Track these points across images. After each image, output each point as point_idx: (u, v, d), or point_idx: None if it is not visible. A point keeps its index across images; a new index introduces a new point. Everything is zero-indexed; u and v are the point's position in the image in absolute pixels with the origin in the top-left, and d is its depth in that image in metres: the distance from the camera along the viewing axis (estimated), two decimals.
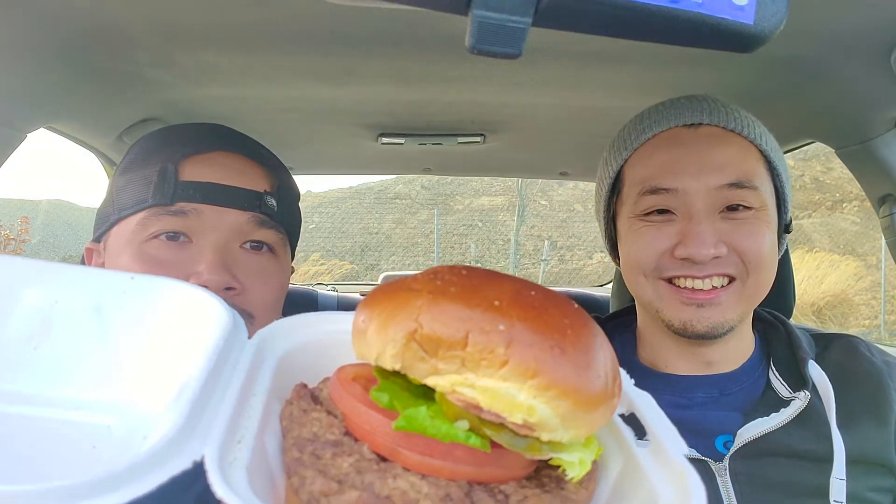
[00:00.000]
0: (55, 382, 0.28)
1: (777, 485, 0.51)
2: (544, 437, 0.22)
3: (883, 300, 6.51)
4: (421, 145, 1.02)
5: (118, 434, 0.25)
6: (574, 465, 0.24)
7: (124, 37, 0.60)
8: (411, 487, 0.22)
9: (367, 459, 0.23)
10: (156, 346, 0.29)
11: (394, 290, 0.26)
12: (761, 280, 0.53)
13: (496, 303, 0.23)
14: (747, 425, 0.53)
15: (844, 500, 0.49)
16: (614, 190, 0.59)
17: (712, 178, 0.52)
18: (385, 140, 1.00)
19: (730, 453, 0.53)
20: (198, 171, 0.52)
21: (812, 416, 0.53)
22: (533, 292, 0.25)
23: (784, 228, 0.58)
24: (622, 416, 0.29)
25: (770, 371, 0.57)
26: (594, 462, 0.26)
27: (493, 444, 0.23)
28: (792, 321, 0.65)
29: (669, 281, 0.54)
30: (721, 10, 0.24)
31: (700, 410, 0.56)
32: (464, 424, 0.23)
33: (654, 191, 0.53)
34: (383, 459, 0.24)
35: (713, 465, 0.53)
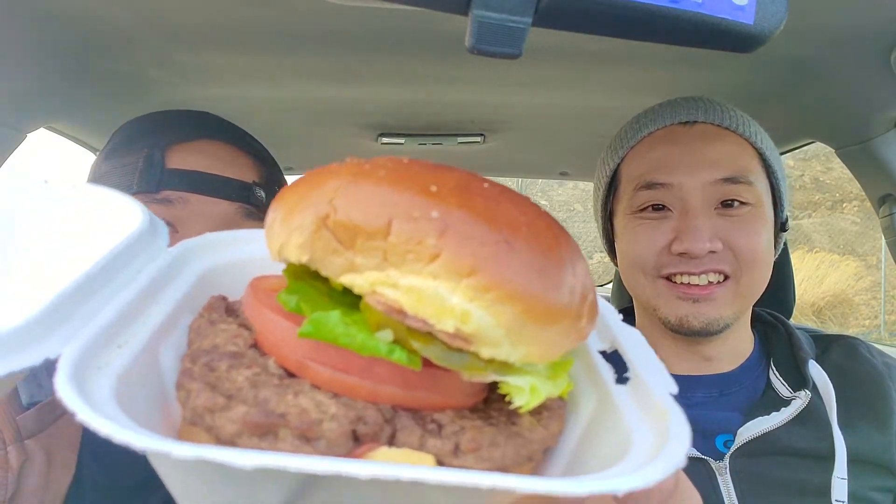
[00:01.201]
0: None
1: (778, 483, 0.51)
2: (484, 352, 0.18)
3: (883, 300, 6.51)
4: (421, 145, 1.02)
5: None
6: (522, 390, 0.19)
7: (124, 37, 0.60)
8: (315, 407, 0.18)
9: (270, 374, 0.19)
10: (50, 254, 0.24)
11: (311, 174, 0.21)
12: (756, 277, 0.53)
13: (433, 188, 0.18)
14: (748, 424, 0.53)
15: (846, 500, 0.49)
16: (611, 188, 0.60)
17: (707, 173, 0.52)
18: (385, 140, 1.00)
19: (730, 452, 0.53)
20: (185, 158, 0.51)
21: (813, 415, 0.53)
22: (486, 185, 0.20)
23: (780, 226, 0.58)
24: (603, 353, 0.24)
25: (770, 371, 0.57)
26: (562, 400, 0.22)
27: (427, 364, 0.19)
28: (792, 321, 0.65)
29: (667, 278, 0.54)
30: (721, 11, 0.24)
31: (700, 410, 0.56)
32: (387, 335, 0.19)
33: (650, 185, 0.54)
34: (291, 376, 0.19)
35: (713, 465, 0.53)
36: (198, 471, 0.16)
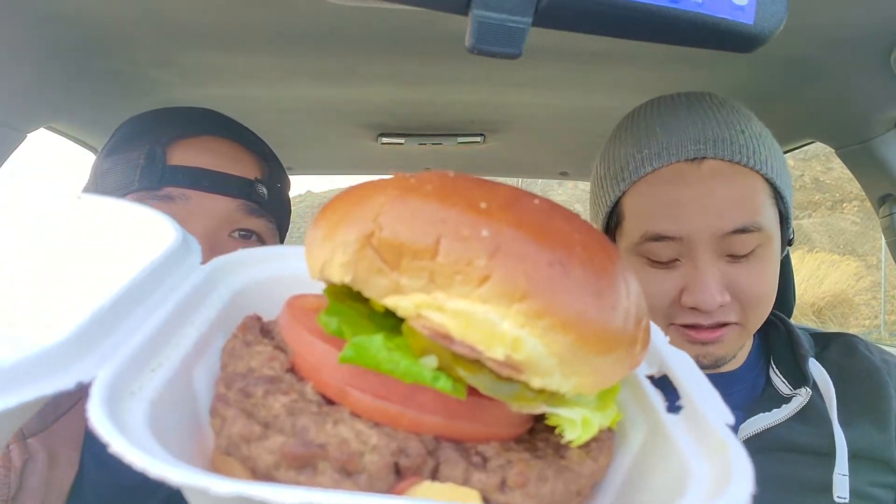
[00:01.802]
0: None
1: (779, 480, 0.51)
2: (535, 382, 0.16)
3: (883, 300, 6.51)
4: (421, 145, 1.02)
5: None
6: (574, 423, 0.18)
7: (125, 37, 0.60)
8: (355, 437, 0.17)
9: (308, 400, 0.18)
10: (85, 272, 0.24)
11: (355, 189, 0.20)
12: (762, 314, 0.52)
13: (482, 204, 0.17)
14: (748, 420, 0.53)
15: (847, 496, 0.49)
16: (612, 218, 0.56)
17: (717, 223, 0.49)
18: (385, 140, 1.00)
19: None
20: (187, 155, 0.50)
21: (813, 412, 0.53)
22: (537, 201, 0.19)
23: (787, 242, 0.57)
24: (651, 377, 0.22)
25: (770, 369, 0.57)
26: (610, 430, 0.20)
27: (472, 392, 0.18)
28: (791, 321, 0.65)
29: (677, 325, 0.52)
30: (721, 11, 0.24)
31: None
32: (432, 361, 0.17)
33: (658, 238, 0.50)
34: (330, 402, 0.18)
35: None
36: None
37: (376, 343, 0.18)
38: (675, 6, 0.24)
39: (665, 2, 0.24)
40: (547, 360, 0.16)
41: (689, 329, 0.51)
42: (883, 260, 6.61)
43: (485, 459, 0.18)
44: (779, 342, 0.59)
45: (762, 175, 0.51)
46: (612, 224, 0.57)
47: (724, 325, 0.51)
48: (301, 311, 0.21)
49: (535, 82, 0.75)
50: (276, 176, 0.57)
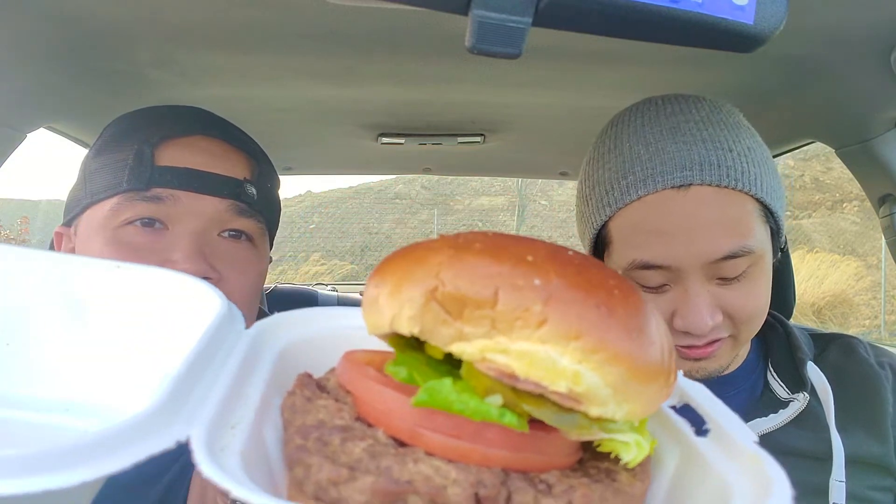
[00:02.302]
0: (29, 382, 0.25)
1: None
2: (593, 411, 0.19)
3: (883, 300, 6.51)
4: (421, 145, 1.02)
5: (82, 434, 0.21)
6: (629, 446, 0.20)
7: (124, 37, 0.60)
8: (436, 472, 0.18)
9: (383, 444, 0.20)
10: (142, 341, 0.26)
11: (409, 251, 0.22)
12: (754, 327, 0.52)
13: (529, 258, 0.20)
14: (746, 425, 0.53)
15: (844, 502, 0.49)
16: (599, 239, 0.55)
17: (706, 252, 0.48)
18: (385, 140, 1.00)
19: None
20: (175, 155, 0.50)
21: (811, 417, 0.53)
22: (570, 252, 0.21)
23: (779, 250, 0.56)
24: (673, 408, 0.25)
25: (768, 373, 0.57)
26: (648, 456, 0.22)
27: (532, 426, 0.20)
28: (791, 321, 0.65)
29: None
30: (721, 10, 0.24)
31: None
32: (496, 400, 0.20)
33: (646, 266, 0.49)
34: (402, 445, 0.20)
35: None
36: None
37: (447, 386, 0.20)
38: (675, 6, 0.24)
39: (665, 1, 0.24)
40: (603, 391, 0.19)
41: (683, 349, 0.51)
42: (883, 260, 6.61)
43: (549, 486, 0.20)
44: (777, 345, 0.59)
45: (752, 196, 0.50)
46: (601, 245, 0.55)
47: (716, 340, 0.50)
48: (360, 365, 0.24)
49: (535, 82, 0.75)
50: (265, 175, 0.56)
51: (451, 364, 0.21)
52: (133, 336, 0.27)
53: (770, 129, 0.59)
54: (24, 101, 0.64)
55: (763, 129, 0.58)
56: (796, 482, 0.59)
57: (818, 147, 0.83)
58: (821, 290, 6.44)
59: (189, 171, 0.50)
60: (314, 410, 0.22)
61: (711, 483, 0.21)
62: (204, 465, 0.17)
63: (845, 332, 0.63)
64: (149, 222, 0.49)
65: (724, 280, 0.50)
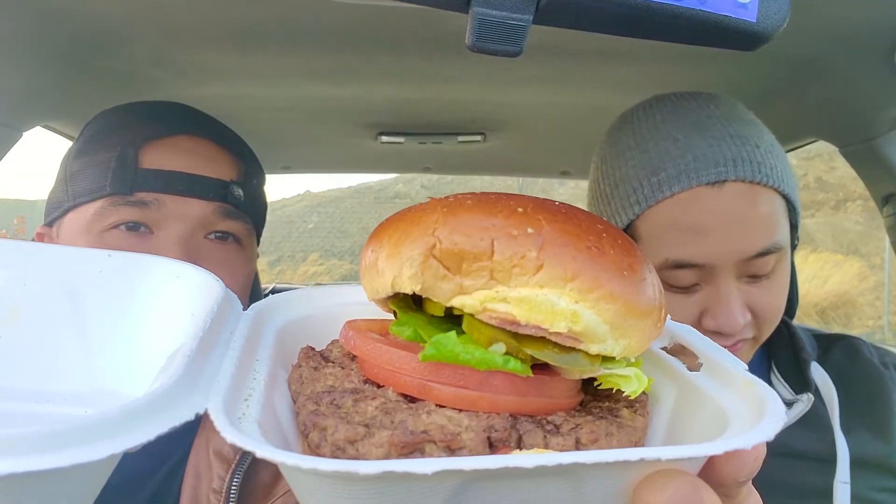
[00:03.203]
0: (24, 373, 0.25)
1: (780, 486, 0.51)
2: (593, 349, 0.20)
3: (886, 300, 6.47)
4: (421, 144, 1.02)
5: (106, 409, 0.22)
6: (629, 379, 0.21)
7: (121, 35, 0.60)
8: (449, 421, 0.19)
9: (394, 401, 0.21)
10: (137, 327, 0.27)
11: (403, 214, 0.23)
12: (774, 327, 0.52)
13: (519, 210, 0.20)
14: None
15: None
16: None
17: (740, 250, 0.47)
18: (385, 139, 0.99)
19: None
20: (160, 156, 0.49)
21: (815, 418, 0.52)
22: (557, 203, 0.22)
23: (793, 247, 0.56)
24: (664, 349, 0.26)
25: (772, 373, 0.57)
26: (645, 393, 0.23)
27: (535, 371, 0.21)
28: (795, 321, 0.64)
29: None
30: (724, 8, 0.24)
31: None
32: (500, 348, 0.20)
33: (681, 266, 0.49)
34: (412, 401, 0.21)
35: None
36: (362, 493, 0.17)
37: (452, 338, 0.20)
38: (678, 4, 0.24)
39: None
40: (601, 328, 0.19)
41: None
42: (886, 260, 6.58)
43: (556, 426, 0.21)
44: (781, 345, 0.59)
45: (779, 191, 0.50)
46: None
47: (741, 339, 0.50)
48: (361, 330, 0.24)
49: (535, 81, 0.74)
50: (252, 175, 0.55)
51: (452, 321, 0.22)
52: (130, 324, 0.27)
53: (773, 128, 0.58)
54: (20, 100, 0.64)
55: (766, 126, 0.57)
56: (801, 484, 0.57)
57: (821, 146, 0.82)
58: (824, 290, 6.41)
59: (174, 174, 0.49)
60: (322, 378, 0.23)
61: (709, 411, 0.21)
62: (226, 431, 0.17)
63: (849, 334, 0.63)
64: (133, 226, 0.48)
65: (753, 278, 0.49)
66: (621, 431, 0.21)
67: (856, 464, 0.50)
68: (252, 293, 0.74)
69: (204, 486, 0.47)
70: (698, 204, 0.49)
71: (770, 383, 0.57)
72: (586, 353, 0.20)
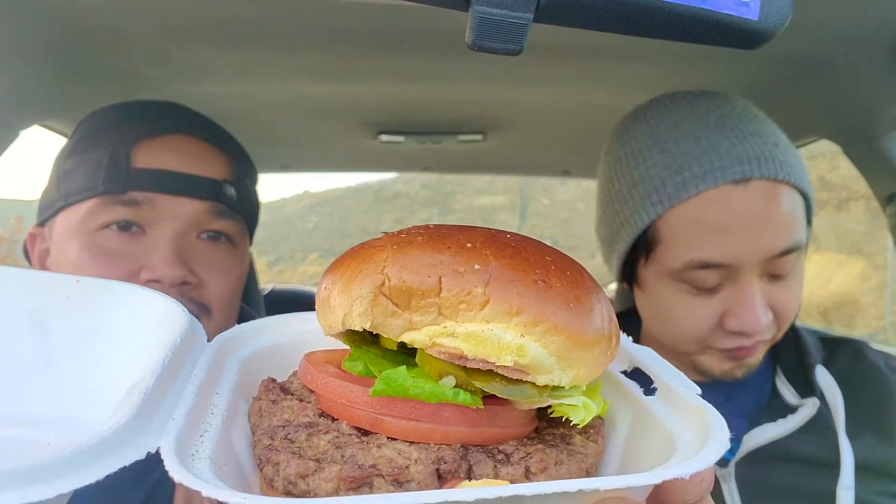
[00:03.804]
0: None
1: (784, 490, 0.51)
2: (540, 380, 0.20)
3: (890, 301, 6.44)
4: (420, 143, 1.01)
5: (58, 449, 0.21)
6: (577, 408, 0.22)
7: (119, 34, 0.59)
8: (399, 454, 0.20)
9: (347, 435, 0.21)
10: (103, 354, 0.27)
11: (356, 251, 0.24)
12: (788, 326, 0.53)
13: (468, 245, 0.21)
14: (754, 431, 0.52)
15: None
16: (642, 240, 0.53)
17: (766, 249, 0.48)
18: (384, 138, 0.99)
19: (735, 459, 0.52)
20: (152, 156, 0.49)
21: (820, 423, 0.52)
22: (508, 235, 0.23)
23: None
24: (624, 372, 0.27)
25: (776, 376, 0.57)
26: (600, 418, 0.24)
27: (486, 402, 0.21)
28: (798, 322, 0.64)
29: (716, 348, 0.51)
30: (726, 7, 0.24)
31: None
32: (450, 381, 0.21)
33: (707, 266, 0.48)
34: (365, 433, 0.22)
35: (718, 471, 0.52)
36: None
37: (402, 373, 0.21)
38: (679, 2, 0.23)
39: None
40: (547, 360, 0.20)
41: (730, 351, 0.50)
42: (889, 260, 6.54)
43: (507, 456, 0.21)
44: (786, 349, 0.58)
45: (798, 189, 0.50)
46: (642, 246, 0.53)
47: (760, 341, 0.50)
48: (320, 364, 0.25)
49: (536, 79, 0.74)
50: (245, 174, 0.55)
51: (406, 353, 0.22)
52: (95, 350, 0.27)
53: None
54: (16, 98, 0.64)
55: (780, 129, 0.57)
56: (805, 489, 0.57)
57: (824, 145, 0.81)
58: (827, 290, 6.38)
59: (166, 173, 0.48)
60: (279, 412, 0.24)
61: (659, 437, 0.22)
62: (174, 471, 0.18)
63: (854, 337, 0.63)
64: (126, 226, 0.48)
65: (774, 277, 0.49)
66: (572, 459, 0.21)
67: (860, 469, 0.50)
68: (251, 293, 0.74)
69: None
70: (724, 203, 0.48)
71: (775, 387, 0.56)
72: (534, 385, 0.21)
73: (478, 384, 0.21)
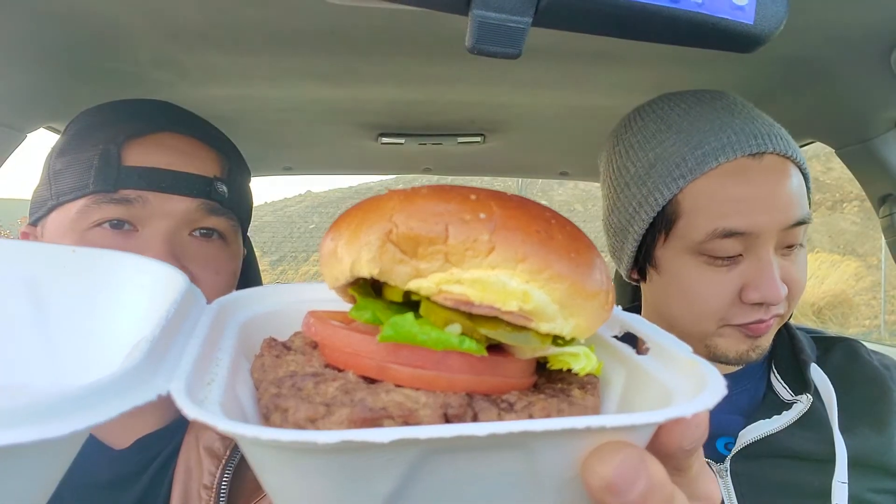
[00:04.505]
0: None
1: (778, 486, 0.51)
2: (543, 327, 0.21)
3: (883, 300, 6.50)
4: (421, 145, 1.02)
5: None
6: (578, 356, 0.22)
7: (125, 37, 0.60)
8: (407, 399, 0.20)
9: (354, 382, 0.21)
10: (101, 322, 0.26)
11: (361, 204, 0.24)
12: (795, 306, 0.54)
13: (472, 197, 0.22)
14: (749, 427, 0.53)
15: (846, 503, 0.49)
16: (660, 218, 0.54)
17: (781, 218, 0.49)
18: (385, 140, 1.00)
19: (731, 455, 0.53)
20: (143, 154, 0.49)
21: (814, 419, 0.53)
22: (510, 195, 0.23)
23: None
24: (616, 337, 0.27)
25: (771, 374, 0.57)
26: (595, 376, 0.24)
27: (490, 352, 0.22)
28: (792, 321, 0.65)
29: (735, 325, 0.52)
30: (721, 10, 0.24)
31: None
32: (455, 328, 0.21)
33: (730, 234, 0.50)
34: (372, 382, 0.22)
35: (714, 466, 0.53)
36: (322, 467, 0.17)
37: (409, 320, 0.21)
38: (675, 6, 0.24)
39: (665, 1, 0.24)
40: (550, 307, 0.20)
41: (750, 326, 0.51)
42: (883, 260, 6.60)
43: (510, 405, 0.21)
44: (781, 346, 0.59)
45: (801, 168, 0.53)
46: (661, 224, 0.54)
47: (775, 315, 0.52)
48: (323, 317, 0.25)
49: (534, 82, 0.75)
50: (236, 172, 0.55)
51: (410, 307, 0.22)
52: (94, 318, 0.27)
53: None
54: (23, 102, 0.64)
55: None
56: (799, 485, 0.58)
57: (818, 147, 0.83)
58: (821, 290, 6.44)
59: (157, 171, 0.48)
60: (284, 365, 0.23)
61: (655, 391, 0.23)
62: (188, 409, 0.18)
63: (848, 336, 0.63)
64: (118, 224, 0.48)
65: (788, 250, 0.52)
66: (573, 408, 0.22)
67: (854, 464, 0.50)
68: None
69: (195, 483, 0.47)
70: (742, 174, 0.51)
71: (770, 384, 0.57)
72: (537, 333, 0.21)
73: (483, 331, 0.21)
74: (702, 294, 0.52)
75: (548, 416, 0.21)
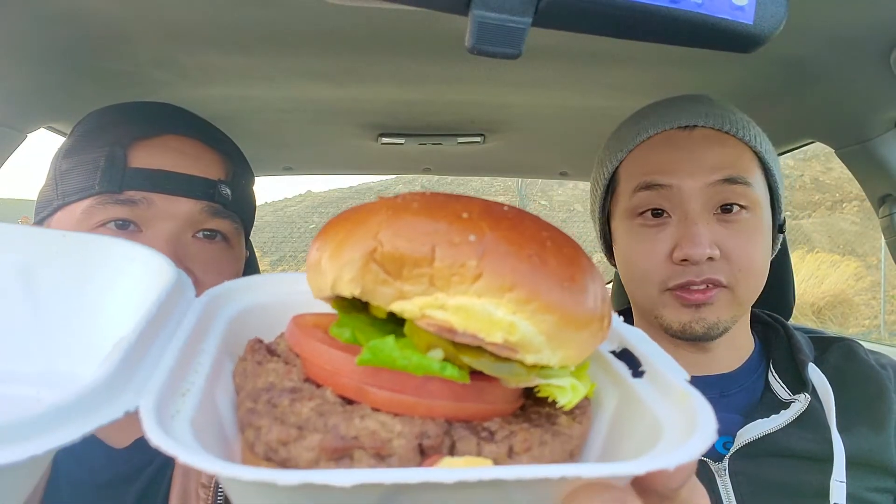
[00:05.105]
0: None
1: (777, 485, 0.51)
2: (529, 359, 0.20)
3: (883, 300, 6.51)
4: (421, 145, 1.02)
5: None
6: (565, 390, 0.21)
7: (125, 37, 0.60)
8: (382, 427, 0.19)
9: (331, 403, 0.20)
10: (91, 308, 0.26)
11: (350, 213, 0.23)
12: (752, 285, 0.54)
13: (464, 215, 0.20)
14: (747, 426, 0.53)
15: (844, 502, 0.49)
16: (609, 190, 0.60)
17: (707, 175, 0.52)
18: (385, 140, 1.00)
19: (729, 454, 0.53)
20: (148, 156, 0.49)
21: (812, 418, 0.53)
22: (506, 208, 0.22)
23: (778, 228, 0.58)
24: (613, 352, 0.26)
25: (769, 373, 0.57)
26: (587, 399, 0.23)
27: (473, 377, 0.21)
28: (791, 321, 0.65)
29: (672, 290, 0.54)
30: (721, 11, 0.24)
31: None
32: (438, 354, 0.20)
33: (649, 186, 0.54)
34: (349, 402, 0.21)
35: (712, 466, 0.53)
36: (285, 500, 0.17)
37: (389, 344, 0.20)
38: (675, 6, 0.24)
39: (664, 2, 0.24)
40: (537, 339, 0.19)
41: (683, 291, 0.52)
42: (882, 260, 6.61)
43: (491, 433, 0.21)
44: (778, 346, 0.59)
45: (750, 147, 0.55)
46: (609, 195, 0.60)
47: (715, 286, 0.52)
48: (308, 328, 0.24)
49: (534, 82, 0.75)
50: (240, 174, 0.56)
51: (395, 322, 0.21)
52: (85, 304, 0.26)
53: (770, 130, 0.59)
54: (24, 101, 0.64)
55: (763, 129, 0.58)
56: (797, 484, 0.58)
57: (818, 147, 0.83)
58: (820, 290, 6.44)
59: (162, 173, 0.49)
60: (264, 374, 0.23)
61: (646, 421, 0.22)
62: (152, 433, 0.17)
63: (845, 336, 0.64)
64: (122, 225, 0.49)
65: (723, 214, 0.53)
66: (556, 440, 0.21)
67: (852, 463, 0.50)
68: None
69: (192, 481, 0.47)
70: (670, 141, 0.55)
71: (767, 383, 0.57)
72: (522, 363, 0.20)
73: (466, 359, 0.20)
74: (637, 256, 0.55)
75: (528, 448, 0.20)
